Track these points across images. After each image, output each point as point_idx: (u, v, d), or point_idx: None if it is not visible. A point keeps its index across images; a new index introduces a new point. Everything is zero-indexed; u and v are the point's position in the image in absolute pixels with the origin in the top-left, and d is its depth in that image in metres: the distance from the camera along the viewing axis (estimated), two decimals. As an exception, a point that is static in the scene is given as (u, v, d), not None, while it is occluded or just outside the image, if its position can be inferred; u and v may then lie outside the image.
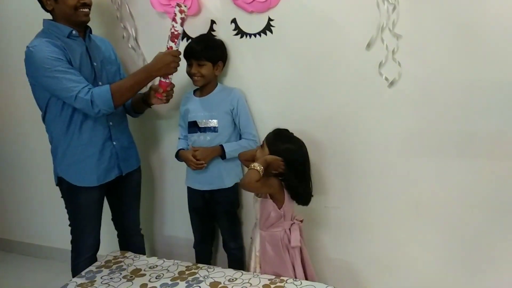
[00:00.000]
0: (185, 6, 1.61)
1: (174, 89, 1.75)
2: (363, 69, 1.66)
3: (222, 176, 1.84)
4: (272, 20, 1.75)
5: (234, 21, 1.81)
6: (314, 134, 1.79)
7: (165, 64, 1.62)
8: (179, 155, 1.88)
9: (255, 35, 1.79)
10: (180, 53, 1.66)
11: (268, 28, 1.76)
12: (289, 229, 1.60)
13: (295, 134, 1.62)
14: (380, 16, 1.58)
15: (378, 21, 1.58)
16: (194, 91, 1.89)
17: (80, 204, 1.79)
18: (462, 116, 1.58)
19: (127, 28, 2.00)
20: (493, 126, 1.55)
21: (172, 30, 1.62)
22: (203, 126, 1.82)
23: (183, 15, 1.60)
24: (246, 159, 1.65)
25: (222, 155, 1.80)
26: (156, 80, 1.71)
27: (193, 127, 1.84)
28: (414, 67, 1.59)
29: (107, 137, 1.76)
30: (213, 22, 1.85)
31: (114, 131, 1.79)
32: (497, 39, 1.47)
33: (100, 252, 1.90)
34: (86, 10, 1.66)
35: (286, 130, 1.61)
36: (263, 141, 1.59)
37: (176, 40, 1.63)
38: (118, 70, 1.87)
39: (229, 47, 1.84)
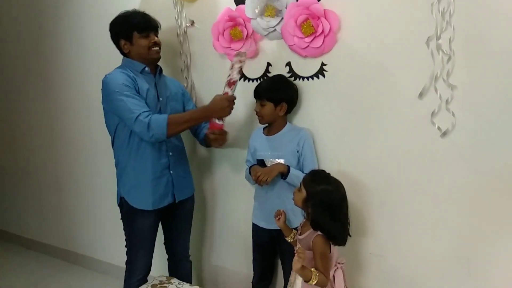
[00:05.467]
0: (245, 55, 1.72)
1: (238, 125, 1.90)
2: (415, 118, 1.64)
3: (289, 216, 1.78)
4: (325, 64, 1.79)
5: (288, 64, 1.88)
6: (361, 178, 1.79)
7: (221, 108, 1.76)
8: (251, 170, 1.84)
9: (308, 78, 1.85)
10: (235, 98, 1.78)
11: (321, 72, 1.81)
12: (333, 276, 1.58)
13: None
14: (434, 66, 1.56)
15: (432, 70, 1.57)
16: (264, 129, 1.93)
17: (136, 226, 1.93)
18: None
19: (185, 62, 2.19)
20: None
21: (230, 77, 1.74)
22: (269, 165, 1.81)
23: (241, 65, 1.72)
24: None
25: (283, 175, 1.76)
26: None
27: (261, 165, 1.85)
28: (468, 119, 1.54)
29: (166, 165, 1.90)
30: (269, 64, 1.94)
31: (173, 161, 1.93)
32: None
33: (152, 273, 2.02)
34: (157, 48, 1.87)
35: (323, 171, 1.62)
36: (300, 183, 1.60)
37: (232, 87, 1.75)
38: (183, 108, 2.02)
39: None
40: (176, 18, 2.15)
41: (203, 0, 2.07)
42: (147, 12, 1.89)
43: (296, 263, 1.43)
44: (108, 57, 2.26)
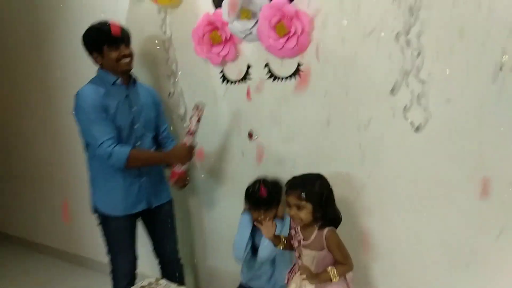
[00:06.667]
0: (202, 106, 1.84)
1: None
2: (389, 113, 1.64)
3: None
4: (301, 65, 1.81)
5: (267, 65, 1.91)
6: (340, 174, 1.80)
7: (179, 157, 1.88)
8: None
9: (285, 78, 1.87)
10: (194, 148, 1.90)
11: (297, 72, 1.83)
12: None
13: (322, 173, 1.62)
14: (405, 61, 1.56)
15: (402, 66, 1.57)
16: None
17: (111, 231, 1.98)
18: (488, 164, 1.48)
19: (172, 69, 2.23)
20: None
21: (189, 127, 1.86)
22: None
23: (199, 116, 1.85)
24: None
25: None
26: None
27: None
28: (441, 112, 1.53)
29: (137, 173, 1.94)
30: (249, 66, 1.97)
31: (145, 168, 1.96)
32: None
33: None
34: (127, 60, 1.89)
35: (294, 178, 1.60)
36: (292, 204, 1.53)
37: (191, 136, 1.86)
38: (157, 116, 2.05)
39: (264, 89, 1.94)
40: (161, 24, 2.20)
41: (186, 6, 2.12)
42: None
43: (313, 279, 1.49)
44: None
